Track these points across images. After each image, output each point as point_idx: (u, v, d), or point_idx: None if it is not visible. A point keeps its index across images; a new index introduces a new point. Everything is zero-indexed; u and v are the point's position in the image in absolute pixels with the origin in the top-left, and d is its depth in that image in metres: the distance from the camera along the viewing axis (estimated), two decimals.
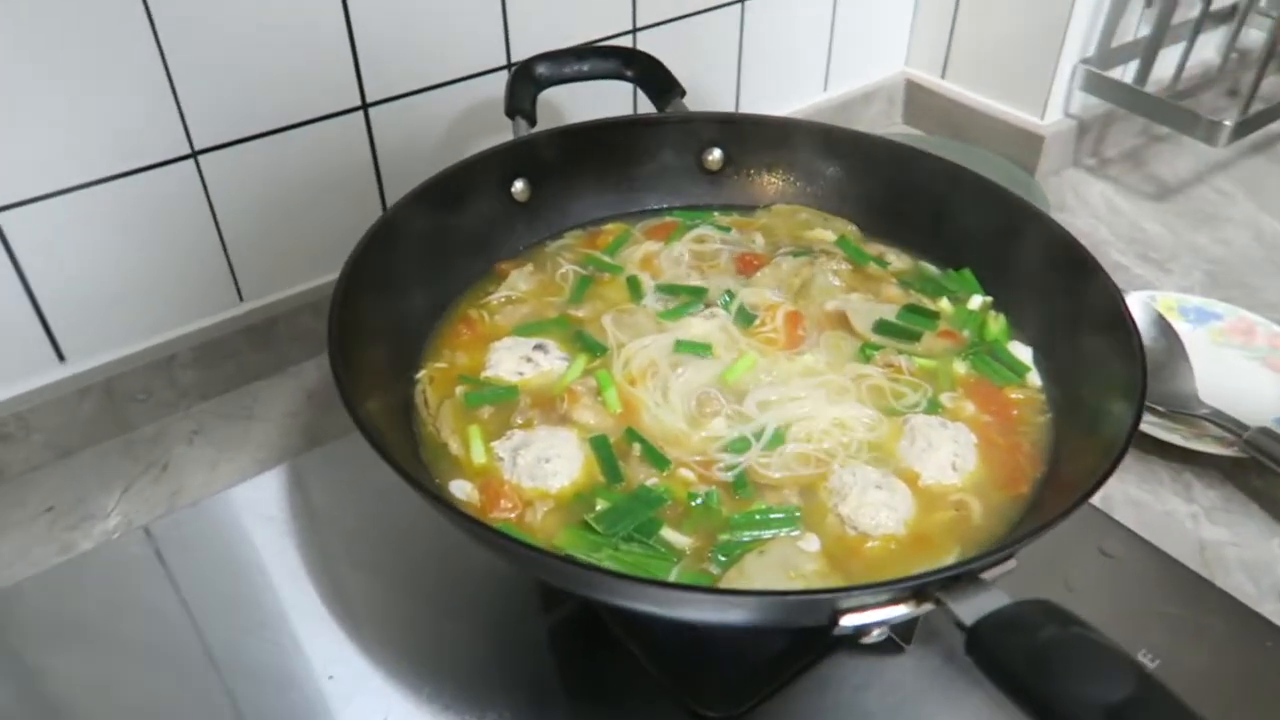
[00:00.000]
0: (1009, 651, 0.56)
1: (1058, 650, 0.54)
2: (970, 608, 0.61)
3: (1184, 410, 1.10)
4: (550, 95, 1.14)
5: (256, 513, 1.02)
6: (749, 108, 1.54)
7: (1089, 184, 1.60)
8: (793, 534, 0.77)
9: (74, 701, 0.86)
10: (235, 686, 0.86)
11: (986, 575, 0.65)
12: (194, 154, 1.06)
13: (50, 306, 1.04)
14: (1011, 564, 0.66)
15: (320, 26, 1.08)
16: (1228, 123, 1.42)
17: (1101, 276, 0.88)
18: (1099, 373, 0.84)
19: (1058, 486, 0.78)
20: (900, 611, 0.63)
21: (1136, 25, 1.57)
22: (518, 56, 1.24)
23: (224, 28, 1.01)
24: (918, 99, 1.72)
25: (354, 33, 1.10)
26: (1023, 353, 0.93)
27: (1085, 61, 1.53)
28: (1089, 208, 1.54)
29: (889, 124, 1.74)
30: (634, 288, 1.01)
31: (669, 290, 1.00)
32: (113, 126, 0.99)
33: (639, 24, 1.34)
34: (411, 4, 1.13)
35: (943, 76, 1.68)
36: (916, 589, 0.62)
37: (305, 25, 1.07)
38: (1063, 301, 0.93)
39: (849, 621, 0.63)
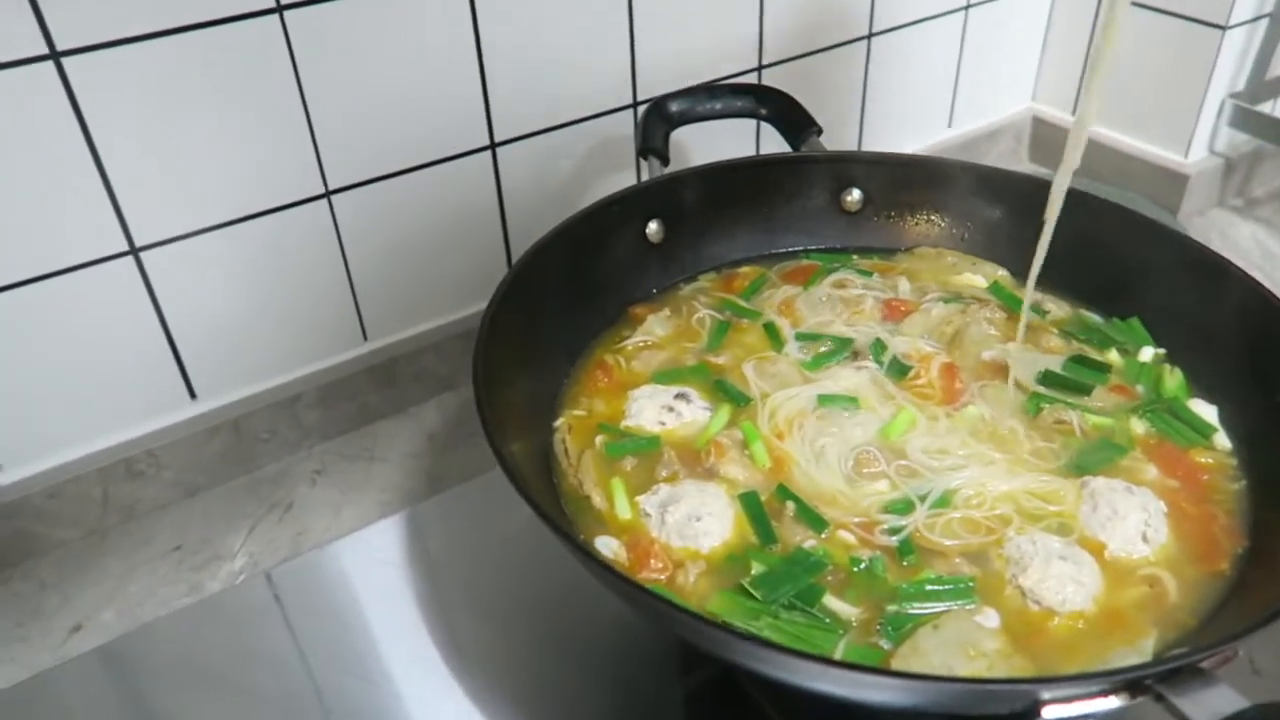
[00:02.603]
0: None
1: None
2: (1201, 707, 0.54)
3: None
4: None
5: (377, 558, 0.99)
6: (871, 145, 1.49)
7: (1237, 226, 1.50)
8: (968, 607, 0.71)
9: None
10: None
11: (1206, 665, 0.58)
12: (328, 194, 1.06)
13: (185, 344, 1.05)
14: (1236, 654, 0.59)
15: (453, 70, 1.07)
16: None
17: None
18: None
19: (1267, 567, 0.71)
20: (1110, 704, 0.57)
21: None
22: (644, 95, 1.22)
23: (361, 68, 1.01)
24: (1046, 136, 1.65)
25: (485, 74, 1.09)
26: (1206, 411, 0.86)
27: (1234, 96, 1.44)
28: (1239, 251, 1.45)
29: (1015, 162, 1.67)
30: (772, 334, 0.96)
31: (811, 338, 0.95)
32: (251, 167, 1.00)
33: (765, 60, 1.31)
34: (541, 43, 1.12)
35: (1073, 113, 1.61)
36: (1134, 681, 0.56)
37: (439, 69, 1.06)
38: (1250, 356, 0.85)
39: (1051, 713, 0.57)
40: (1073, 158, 0.80)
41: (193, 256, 1.00)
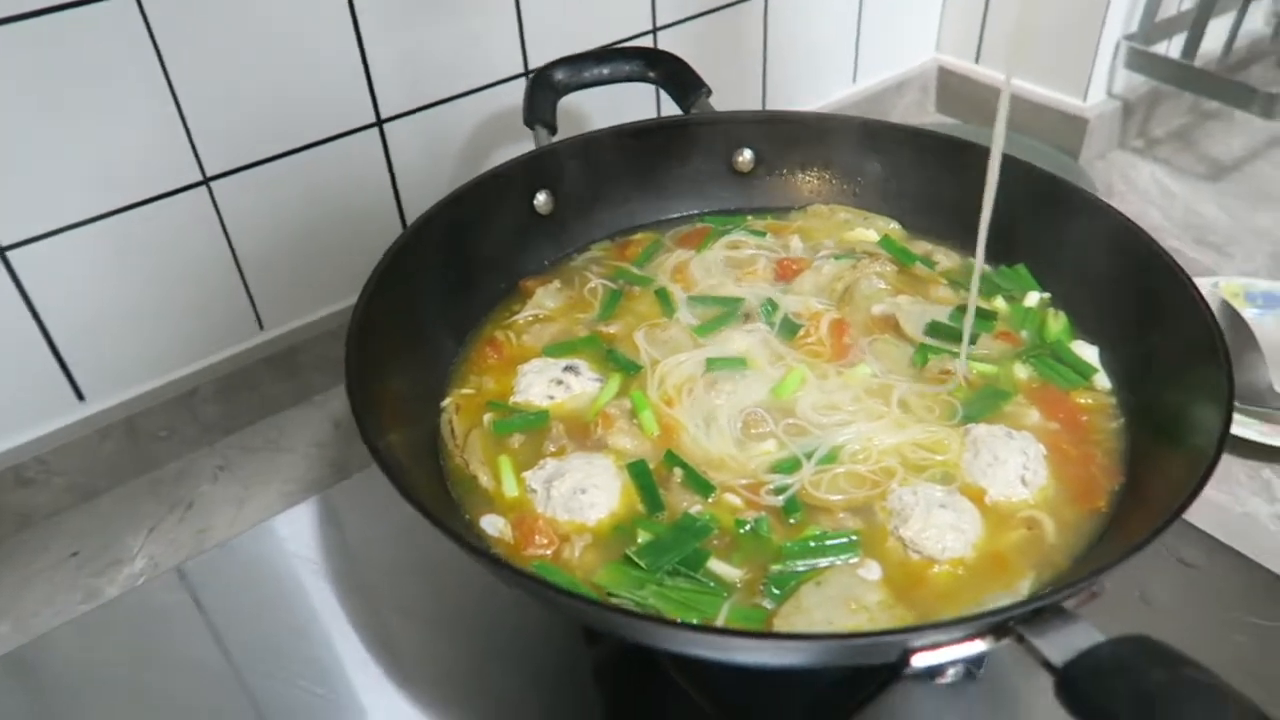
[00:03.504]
0: (1110, 700, 0.50)
1: (1168, 699, 0.48)
2: (1058, 645, 0.55)
3: (1258, 404, 1.03)
4: (570, 101, 1.10)
5: (288, 551, 0.98)
6: (776, 104, 1.48)
7: (1137, 166, 1.53)
8: (851, 561, 0.71)
9: None
10: None
11: (1070, 604, 0.59)
12: (206, 180, 1.02)
13: (67, 345, 1.01)
14: (1101, 590, 0.60)
15: (330, 43, 1.04)
16: None
17: (1171, 267, 0.81)
18: (1175, 373, 0.77)
19: (1139, 500, 0.72)
20: (977, 648, 0.58)
21: None
22: (535, 63, 1.20)
23: (230, 49, 0.98)
24: (951, 86, 1.65)
25: (365, 47, 1.06)
26: (1088, 353, 0.87)
27: (1129, 38, 1.46)
28: (1139, 191, 1.47)
29: (922, 114, 1.67)
30: (664, 300, 0.96)
31: (704, 301, 0.95)
32: (121, 157, 0.96)
33: (659, 23, 1.29)
34: (423, 15, 1.09)
35: (977, 61, 1.62)
36: (997, 624, 0.57)
37: (315, 43, 1.03)
38: (1128, 296, 0.86)
39: (921, 661, 0.58)
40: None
41: (66, 253, 0.97)
